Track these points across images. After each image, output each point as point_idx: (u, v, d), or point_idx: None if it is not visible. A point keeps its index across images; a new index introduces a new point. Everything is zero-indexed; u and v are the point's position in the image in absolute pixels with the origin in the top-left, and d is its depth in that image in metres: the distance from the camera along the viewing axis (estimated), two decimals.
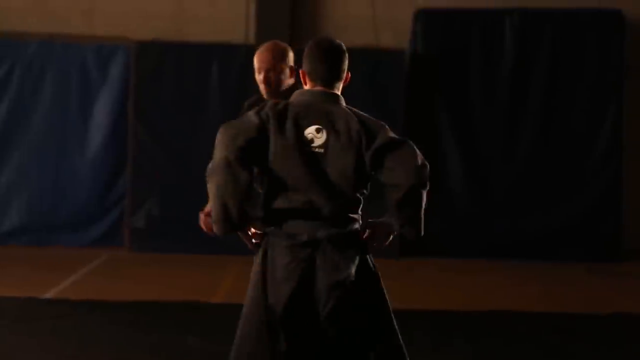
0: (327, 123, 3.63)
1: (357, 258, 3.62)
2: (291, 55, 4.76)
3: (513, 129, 10.23)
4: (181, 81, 10.09)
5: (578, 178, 10.20)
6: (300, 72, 3.80)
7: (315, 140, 3.61)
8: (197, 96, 10.03)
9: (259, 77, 4.68)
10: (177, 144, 9.97)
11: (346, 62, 3.78)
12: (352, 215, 3.65)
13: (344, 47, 3.79)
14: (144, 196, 9.98)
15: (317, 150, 3.60)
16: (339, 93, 3.77)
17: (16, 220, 10.05)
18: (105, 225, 10.14)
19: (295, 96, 3.75)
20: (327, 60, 3.73)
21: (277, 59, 4.69)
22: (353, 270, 3.59)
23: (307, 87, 3.75)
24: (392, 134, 3.67)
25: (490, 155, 10.25)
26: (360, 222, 3.70)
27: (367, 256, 3.69)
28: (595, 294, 8.62)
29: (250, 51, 10.17)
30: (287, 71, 4.71)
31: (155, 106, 10.04)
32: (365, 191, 3.69)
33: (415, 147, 3.66)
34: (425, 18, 10.26)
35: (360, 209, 3.70)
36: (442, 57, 10.25)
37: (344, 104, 3.74)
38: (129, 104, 10.08)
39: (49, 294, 7.79)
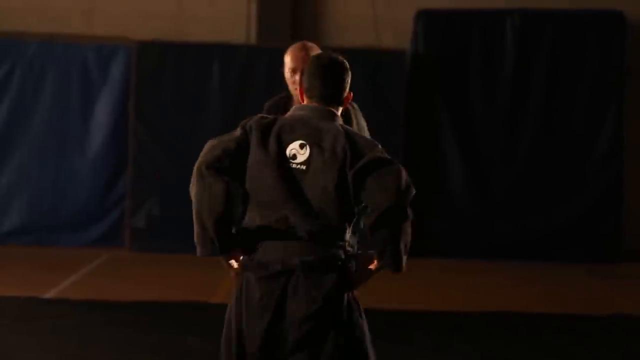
0: (313, 139, 3.46)
1: (334, 288, 3.41)
2: None
3: (513, 129, 10.23)
4: (182, 81, 10.08)
5: (578, 179, 10.20)
6: (299, 90, 3.66)
7: (298, 156, 3.45)
8: (197, 96, 10.03)
9: (292, 78, 4.37)
10: (177, 144, 9.96)
11: (347, 80, 3.61)
12: (334, 240, 3.43)
13: (346, 65, 3.63)
14: (145, 196, 9.98)
15: (298, 166, 3.44)
16: (338, 112, 3.60)
17: (17, 220, 10.05)
18: (105, 225, 10.14)
19: (291, 110, 3.60)
20: (326, 77, 3.57)
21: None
22: (328, 301, 3.40)
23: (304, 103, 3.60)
24: (380, 154, 3.45)
25: (491, 155, 10.25)
26: (351, 249, 3.52)
27: (346, 288, 3.48)
28: (595, 294, 8.62)
29: (251, 51, 10.25)
30: None
31: (156, 106, 10.04)
32: (353, 215, 3.47)
33: (401, 169, 3.44)
34: (426, 18, 10.26)
35: (347, 234, 3.48)
36: (442, 58, 10.25)
37: (339, 121, 3.57)
38: (130, 104, 10.08)
39: (49, 294, 7.79)
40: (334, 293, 3.41)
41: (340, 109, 3.61)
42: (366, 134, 4.40)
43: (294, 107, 3.63)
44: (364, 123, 4.47)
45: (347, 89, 3.61)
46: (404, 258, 3.45)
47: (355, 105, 4.47)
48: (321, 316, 3.39)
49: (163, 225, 9.95)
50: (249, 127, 3.49)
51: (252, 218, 3.45)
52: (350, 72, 3.62)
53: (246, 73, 10.01)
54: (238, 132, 3.50)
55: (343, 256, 3.45)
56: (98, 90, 10.14)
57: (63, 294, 7.85)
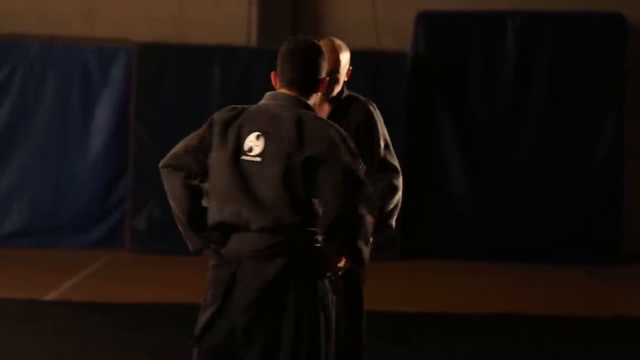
0: (271, 129, 3.34)
1: (280, 274, 3.28)
2: (348, 55, 4.34)
3: (514, 131, 10.24)
4: (183, 83, 10.09)
5: (579, 180, 10.20)
6: (272, 74, 3.53)
7: (254, 148, 3.34)
8: (198, 99, 10.03)
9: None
10: None
11: (322, 64, 3.46)
12: (289, 232, 3.30)
13: (320, 49, 3.48)
14: (145, 198, 9.98)
15: (254, 159, 3.33)
16: (309, 100, 3.45)
17: (17, 221, 10.05)
18: (106, 227, 10.14)
19: (262, 99, 3.50)
20: (297, 62, 3.42)
21: (339, 58, 4.25)
22: (273, 288, 3.28)
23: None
24: (328, 146, 3.29)
25: (492, 157, 10.25)
26: (315, 239, 3.36)
27: (311, 277, 3.33)
28: (596, 296, 8.62)
29: (252, 54, 10.25)
30: (344, 74, 4.32)
31: (157, 108, 10.05)
32: (310, 205, 3.32)
33: (352, 162, 3.29)
34: (426, 21, 10.27)
35: (312, 224, 3.33)
36: (443, 60, 10.26)
37: (307, 110, 3.41)
38: (130, 106, 10.09)
39: (50, 296, 7.79)
40: (281, 280, 3.27)
41: (315, 95, 3.47)
42: (386, 135, 4.35)
43: (264, 96, 3.51)
44: (383, 125, 4.40)
45: (322, 74, 3.46)
46: (365, 251, 3.35)
47: (375, 106, 4.41)
48: (264, 303, 3.28)
49: (164, 227, 9.94)
50: (214, 120, 3.44)
51: (211, 213, 3.41)
52: (325, 56, 3.49)
53: (247, 75, 10.01)
54: (204, 126, 3.46)
55: (301, 245, 3.31)
56: (99, 93, 10.15)
57: (64, 295, 7.85)
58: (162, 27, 10.43)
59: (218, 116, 3.45)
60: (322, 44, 3.87)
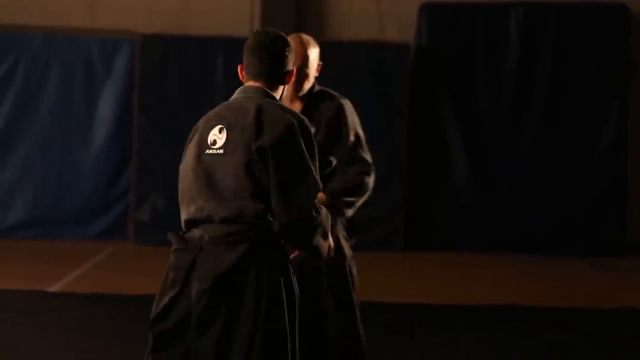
0: (231, 120, 3.35)
1: (239, 261, 3.24)
2: (317, 50, 4.28)
3: (518, 122, 10.22)
4: (185, 75, 10.09)
5: (583, 172, 10.19)
6: (239, 67, 3.52)
7: (217, 141, 3.35)
8: (201, 90, 10.03)
9: None
10: (181, 138, 9.90)
11: (289, 56, 3.45)
12: (252, 220, 3.27)
13: (286, 41, 3.48)
14: (149, 189, 9.99)
15: (216, 151, 3.34)
16: (276, 93, 3.45)
17: (21, 213, 10.06)
18: (110, 219, 10.16)
19: (234, 95, 3.50)
20: (262, 54, 3.42)
21: (307, 53, 4.18)
22: (230, 275, 3.24)
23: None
24: (287, 132, 3.27)
25: (495, 149, 10.24)
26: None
27: (275, 263, 3.30)
28: (599, 288, 8.62)
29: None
30: (314, 68, 4.25)
31: (160, 100, 10.05)
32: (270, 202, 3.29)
33: (303, 152, 3.28)
34: (430, 12, 10.25)
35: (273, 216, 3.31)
36: (447, 51, 10.25)
37: (268, 99, 3.40)
38: (133, 98, 10.09)
39: (54, 287, 7.81)
40: (240, 267, 3.24)
41: (282, 87, 3.48)
42: (357, 130, 4.29)
43: (235, 91, 3.51)
44: (356, 119, 4.34)
45: (289, 66, 3.46)
46: (324, 245, 3.41)
47: (347, 101, 4.33)
48: (221, 290, 3.24)
49: (167, 218, 9.95)
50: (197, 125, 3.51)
51: (182, 215, 3.44)
52: (291, 48, 3.48)
53: None
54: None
55: (262, 232, 3.27)
56: (102, 84, 10.15)
57: (67, 287, 7.87)
58: (164, 18, 10.43)
59: (196, 125, 3.51)
60: (291, 38, 3.87)
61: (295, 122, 3.31)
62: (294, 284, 3.34)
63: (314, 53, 4.22)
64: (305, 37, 4.24)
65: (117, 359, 5.87)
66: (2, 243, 9.70)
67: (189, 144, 3.47)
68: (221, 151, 3.32)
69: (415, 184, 10.12)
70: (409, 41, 10.26)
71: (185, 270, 3.29)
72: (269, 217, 3.29)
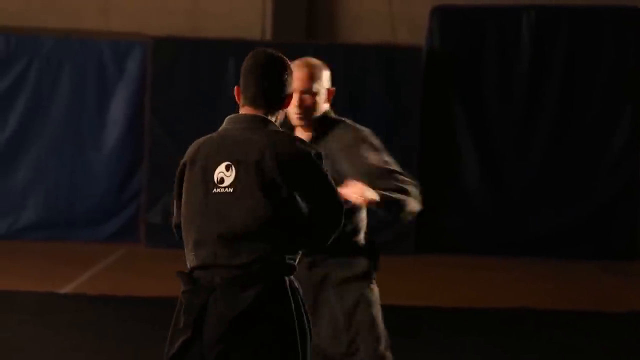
0: (238, 156, 3.14)
1: (254, 305, 3.08)
2: (328, 74, 4.00)
3: (529, 125, 10.21)
4: (197, 77, 10.11)
5: (594, 175, 10.17)
6: (235, 89, 3.34)
7: (225, 179, 3.14)
8: (212, 92, 10.05)
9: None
10: (192, 140, 9.90)
11: (288, 79, 3.26)
12: (268, 260, 3.11)
13: (285, 62, 3.27)
14: (160, 191, 10.01)
15: (225, 190, 3.12)
16: (274, 118, 3.25)
17: (33, 215, 10.10)
18: (121, 221, 10.18)
19: (223, 124, 3.31)
20: (259, 77, 3.23)
21: (316, 78, 3.90)
22: (245, 320, 3.08)
23: (240, 109, 3.28)
24: (308, 165, 3.13)
25: (506, 152, 10.23)
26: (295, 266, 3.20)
27: (283, 300, 3.13)
28: (609, 292, 8.60)
29: (266, 47, 10.23)
30: (324, 94, 3.94)
31: (171, 102, 10.07)
32: (293, 232, 3.15)
33: (329, 181, 3.15)
34: (441, 14, 10.25)
35: (294, 252, 3.18)
36: (458, 54, 10.24)
37: (273, 128, 3.22)
38: (145, 100, 10.12)
39: (66, 289, 7.84)
40: (252, 312, 3.08)
41: (280, 112, 3.28)
42: (370, 148, 3.92)
43: (226, 120, 3.31)
44: (364, 135, 3.95)
45: (288, 90, 3.26)
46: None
47: (366, 130, 3.97)
48: (235, 337, 3.08)
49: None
50: (183, 162, 3.30)
51: (187, 257, 3.26)
52: (290, 71, 3.29)
53: None
54: (177, 171, 3.31)
55: (276, 273, 3.12)
56: (114, 86, 10.18)
57: (79, 289, 7.89)
58: (176, 20, 10.46)
59: (186, 156, 3.30)
60: (297, 63, 3.74)
61: (312, 153, 3.16)
62: (306, 321, 3.21)
63: (321, 77, 3.93)
64: (314, 60, 3.96)
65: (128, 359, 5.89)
66: (14, 244, 9.74)
67: (185, 175, 3.25)
68: (230, 190, 3.12)
69: (426, 187, 10.06)
70: (420, 44, 10.26)
71: (196, 314, 3.11)
72: (284, 256, 3.14)
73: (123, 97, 10.19)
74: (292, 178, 3.11)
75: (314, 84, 3.89)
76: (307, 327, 3.20)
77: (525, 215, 10.14)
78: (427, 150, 10.07)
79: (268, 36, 10.44)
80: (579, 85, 10.17)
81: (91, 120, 10.18)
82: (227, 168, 3.15)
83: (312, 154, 3.15)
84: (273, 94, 3.24)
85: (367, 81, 9.96)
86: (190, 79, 10.10)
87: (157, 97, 10.07)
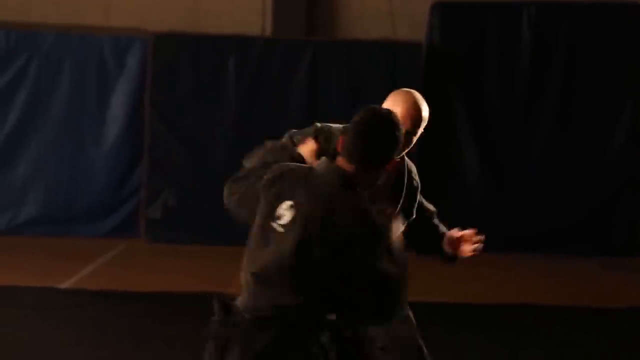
0: (303, 203, 3.04)
1: (268, 349, 3.04)
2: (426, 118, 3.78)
3: (530, 121, 10.21)
4: (198, 73, 10.10)
5: (595, 172, 10.17)
6: (340, 138, 3.15)
7: (283, 217, 3.07)
8: (213, 88, 10.05)
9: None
10: (193, 136, 9.99)
11: (396, 147, 3.07)
12: (289, 312, 3.04)
13: (400, 131, 3.07)
14: (160, 187, 10.01)
15: (278, 228, 3.06)
16: (366, 175, 3.07)
17: (33, 210, 10.10)
18: (121, 216, 10.18)
19: (317, 166, 3.16)
20: (366, 137, 3.04)
21: (418, 122, 3.77)
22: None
23: (339, 160, 3.10)
24: (362, 251, 2.99)
25: (507, 148, 10.23)
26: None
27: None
28: (609, 288, 8.61)
29: (266, 43, 10.25)
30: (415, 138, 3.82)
31: (172, 98, 10.07)
32: (320, 293, 3.05)
33: (383, 268, 3.04)
34: (442, 10, 10.24)
35: (321, 313, 3.10)
36: (458, 50, 10.23)
37: (351, 192, 3.04)
38: (145, 96, 10.11)
39: (66, 284, 7.84)
40: (270, 356, 3.04)
41: (378, 171, 3.09)
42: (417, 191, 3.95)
43: (321, 160, 3.17)
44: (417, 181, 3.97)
45: (394, 154, 3.08)
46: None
47: (410, 163, 3.97)
48: None
49: (178, 216, 9.99)
50: (266, 179, 3.17)
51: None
52: (400, 135, 3.08)
53: (262, 65, 10.02)
54: (260, 183, 3.19)
55: (294, 323, 3.05)
56: (114, 82, 10.18)
57: (79, 284, 7.90)
58: (177, 16, 10.45)
59: (271, 172, 3.17)
60: (402, 97, 3.55)
61: (373, 232, 3.01)
62: None
63: (425, 115, 3.82)
64: (417, 95, 3.76)
65: (128, 355, 5.89)
66: (14, 240, 9.74)
67: (264, 190, 3.15)
68: (282, 230, 3.04)
69: (427, 183, 10.08)
70: (420, 40, 10.25)
71: (221, 345, 3.11)
72: (306, 312, 3.06)
73: (123, 93, 10.18)
74: (337, 253, 2.99)
75: (418, 123, 3.80)
76: None
77: (525, 211, 10.13)
78: (427, 146, 10.05)
79: (268, 33, 10.44)
80: (579, 81, 10.17)
81: (91, 115, 10.17)
82: (289, 208, 3.06)
83: (374, 234, 3.01)
84: (374, 157, 3.06)
85: (368, 78, 9.95)
86: (191, 75, 10.09)
87: (157, 92, 10.07)
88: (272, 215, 3.08)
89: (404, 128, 3.24)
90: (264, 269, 3.06)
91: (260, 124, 9.74)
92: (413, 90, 3.72)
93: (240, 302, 3.14)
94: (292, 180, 3.10)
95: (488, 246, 11.03)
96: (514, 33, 10.18)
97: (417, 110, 3.68)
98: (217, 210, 9.06)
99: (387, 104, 3.61)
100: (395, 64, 10.02)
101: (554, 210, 10.12)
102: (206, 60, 10.11)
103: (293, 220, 3.02)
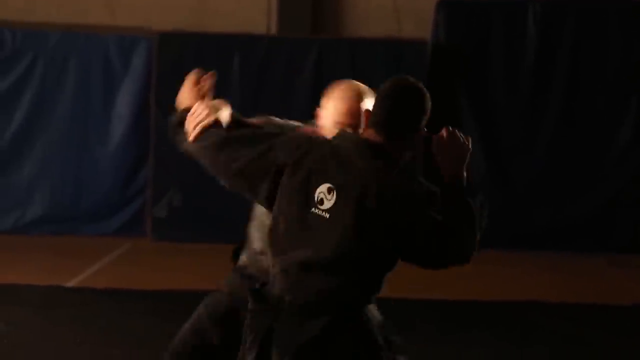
0: (343, 182, 2.93)
1: (317, 337, 2.94)
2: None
3: (535, 118, 10.20)
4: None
5: (600, 169, 10.16)
6: (364, 112, 3.10)
7: (325, 201, 2.94)
8: (218, 87, 10.00)
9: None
10: None
11: (423, 115, 3.05)
12: (340, 297, 2.95)
13: (427, 96, 3.07)
14: (166, 186, 10.02)
15: (323, 214, 2.93)
16: (398, 150, 3.00)
17: (39, 209, 10.11)
18: (127, 215, 10.19)
19: (332, 138, 3.07)
20: (393, 102, 3.00)
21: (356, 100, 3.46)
22: (308, 352, 2.95)
23: (364, 132, 3.04)
24: (415, 209, 2.92)
25: (512, 145, 10.22)
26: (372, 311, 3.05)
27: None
28: (615, 284, 8.59)
29: (272, 42, 10.26)
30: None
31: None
32: (384, 272, 3.02)
33: (437, 221, 2.97)
34: (447, 8, 10.23)
35: (377, 290, 3.04)
36: (464, 47, 10.22)
37: (386, 160, 2.96)
38: (151, 95, 10.12)
39: (71, 282, 7.86)
40: (323, 340, 2.93)
41: (404, 145, 3.05)
42: None
43: (335, 135, 3.07)
44: None
45: (421, 124, 3.08)
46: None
47: None
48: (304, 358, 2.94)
49: (184, 215, 10.00)
50: (278, 157, 3.04)
51: (263, 262, 3.17)
52: (429, 106, 3.08)
53: (267, 64, 10.03)
54: (279, 155, 3.05)
55: (350, 308, 2.97)
56: (119, 81, 10.19)
57: (85, 282, 7.91)
58: (181, 15, 10.45)
59: (290, 153, 3.03)
60: (343, 86, 3.36)
61: (423, 194, 2.98)
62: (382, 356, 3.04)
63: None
64: (362, 88, 3.46)
65: (133, 353, 5.90)
66: (20, 239, 9.76)
67: (285, 177, 3.01)
68: (327, 215, 2.92)
69: (431, 180, 10.09)
70: (426, 38, 10.24)
71: (263, 333, 2.99)
72: (362, 298, 3.00)
73: (128, 92, 10.19)
74: (393, 220, 2.91)
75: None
76: None
77: (530, 208, 10.12)
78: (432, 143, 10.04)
79: (273, 31, 10.44)
80: (584, 78, 10.15)
81: (96, 115, 10.19)
82: (329, 191, 2.94)
83: (422, 195, 2.96)
84: (401, 124, 3.02)
85: (373, 75, 9.93)
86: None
87: (162, 92, 10.07)
88: (310, 201, 2.95)
89: (346, 123, 3.22)
90: (313, 256, 2.93)
91: None
92: (357, 83, 3.49)
93: (270, 290, 3.02)
94: (322, 157, 2.98)
95: (493, 243, 11.12)
96: (519, 30, 10.17)
97: (358, 104, 3.37)
98: (222, 209, 9.14)
99: (330, 97, 3.41)
100: (400, 62, 10.01)
101: (560, 207, 10.11)
102: (211, 59, 10.10)
103: (338, 203, 2.91)
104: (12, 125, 10.14)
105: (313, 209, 2.95)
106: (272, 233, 3.05)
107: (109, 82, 10.18)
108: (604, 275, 9.06)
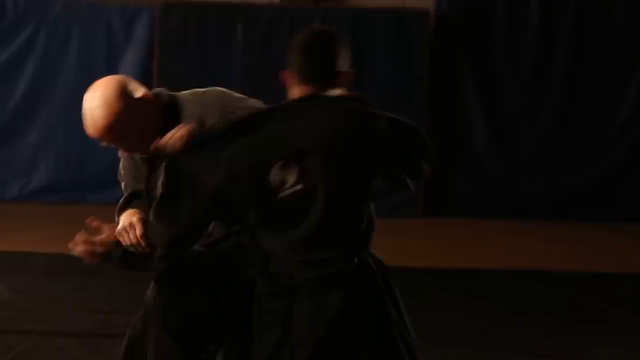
0: (313, 146, 2.94)
1: (342, 308, 2.95)
2: None
3: (538, 89, 10.20)
4: (205, 42, 10.10)
5: (603, 138, 10.17)
6: (283, 74, 3.06)
7: (289, 179, 2.95)
8: (221, 57, 10.04)
9: None
10: None
11: (342, 56, 3.03)
12: (350, 250, 2.99)
13: (341, 39, 3.05)
14: None
15: (294, 188, 2.95)
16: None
17: (43, 178, 10.16)
18: None
19: (280, 109, 3.06)
20: (311, 52, 3.00)
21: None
22: (335, 326, 2.94)
23: (293, 92, 3.02)
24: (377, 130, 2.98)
25: (515, 115, 10.23)
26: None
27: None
28: (619, 253, 8.63)
29: (275, 12, 10.23)
30: None
31: (180, 67, 10.08)
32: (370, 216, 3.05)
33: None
34: None
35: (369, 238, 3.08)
36: (467, 18, 10.20)
37: (330, 98, 3.02)
38: (154, 65, 10.12)
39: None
40: (347, 312, 2.94)
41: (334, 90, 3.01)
42: None
43: (281, 105, 3.05)
44: None
45: (343, 66, 3.03)
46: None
47: None
48: (333, 334, 2.94)
49: None
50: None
51: (258, 242, 3.07)
52: (345, 45, 3.05)
53: (269, 33, 10.01)
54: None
55: (361, 266, 2.99)
56: (122, 51, 10.18)
57: None
58: None
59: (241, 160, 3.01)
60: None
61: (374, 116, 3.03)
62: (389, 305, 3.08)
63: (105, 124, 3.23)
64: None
65: None
66: (25, 207, 9.79)
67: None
68: (299, 186, 2.92)
69: (435, 151, 10.11)
70: (429, 8, 10.22)
71: (282, 316, 2.96)
72: (366, 244, 3.02)
73: (131, 63, 10.19)
74: (365, 149, 2.96)
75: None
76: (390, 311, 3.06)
77: (534, 178, 10.15)
78: (435, 115, 10.06)
79: (276, 1, 10.41)
80: (588, 48, 10.14)
81: None
82: (304, 162, 2.91)
83: (377, 117, 3.00)
84: (324, 69, 3.00)
85: (375, 46, 9.94)
86: (199, 44, 10.09)
87: (165, 62, 10.07)
88: (276, 187, 2.92)
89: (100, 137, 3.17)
90: (312, 229, 2.92)
91: (269, 92, 9.74)
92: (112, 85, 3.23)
93: (280, 269, 2.98)
94: (279, 135, 2.94)
95: (496, 213, 11.09)
96: (522, 1, 10.14)
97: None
98: None
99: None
100: (403, 33, 10.00)
101: (563, 177, 10.13)
102: (214, 29, 10.10)
103: (307, 170, 2.90)
104: (16, 95, 10.15)
105: (283, 192, 2.91)
106: (270, 216, 3.00)
107: (112, 52, 10.17)
108: (608, 244, 9.10)
